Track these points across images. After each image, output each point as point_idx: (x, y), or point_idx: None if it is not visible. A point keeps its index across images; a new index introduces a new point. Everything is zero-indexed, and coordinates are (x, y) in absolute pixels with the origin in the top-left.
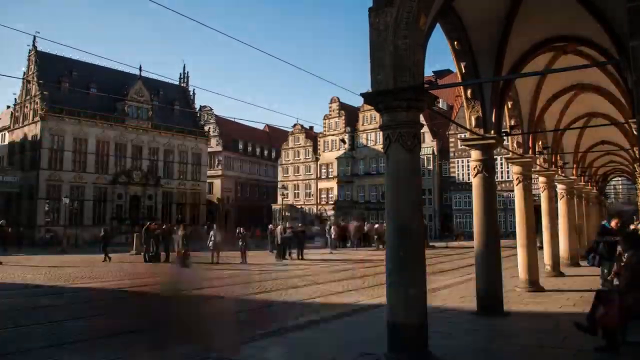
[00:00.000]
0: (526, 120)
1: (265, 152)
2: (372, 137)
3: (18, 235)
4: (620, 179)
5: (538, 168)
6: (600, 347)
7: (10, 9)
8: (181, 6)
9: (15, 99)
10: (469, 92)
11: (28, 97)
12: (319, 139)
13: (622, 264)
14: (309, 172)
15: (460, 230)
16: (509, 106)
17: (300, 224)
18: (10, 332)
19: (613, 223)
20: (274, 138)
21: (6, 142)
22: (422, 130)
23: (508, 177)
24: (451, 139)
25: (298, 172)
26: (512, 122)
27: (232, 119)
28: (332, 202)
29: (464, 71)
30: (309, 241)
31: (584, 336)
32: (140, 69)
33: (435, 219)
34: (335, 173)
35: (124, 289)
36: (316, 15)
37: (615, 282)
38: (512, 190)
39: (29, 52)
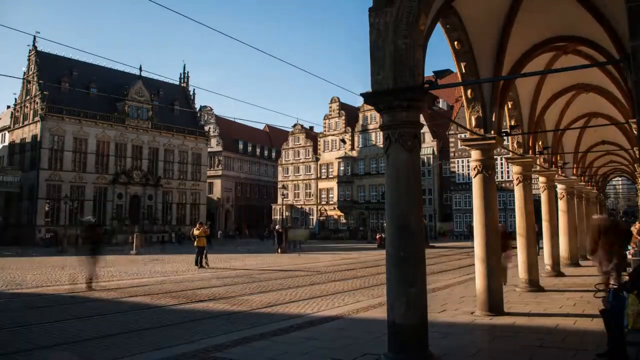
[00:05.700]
0: (526, 120)
1: (265, 152)
2: (372, 137)
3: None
4: (620, 179)
5: (538, 168)
6: (601, 353)
7: (10, 9)
8: (181, 6)
9: (15, 99)
10: (469, 92)
11: (28, 97)
12: (319, 139)
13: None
14: (309, 172)
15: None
16: (509, 106)
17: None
18: None
19: None
20: (274, 138)
21: (6, 142)
22: (422, 130)
23: (508, 177)
24: (451, 139)
25: (298, 172)
26: (512, 122)
27: (232, 119)
28: (332, 202)
29: (464, 71)
30: None
31: (583, 336)
32: (140, 69)
33: (435, 219)
34: (335, 173)
35: None
36: (316, 15)
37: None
38: (512, 190)
39: (29, 52)
